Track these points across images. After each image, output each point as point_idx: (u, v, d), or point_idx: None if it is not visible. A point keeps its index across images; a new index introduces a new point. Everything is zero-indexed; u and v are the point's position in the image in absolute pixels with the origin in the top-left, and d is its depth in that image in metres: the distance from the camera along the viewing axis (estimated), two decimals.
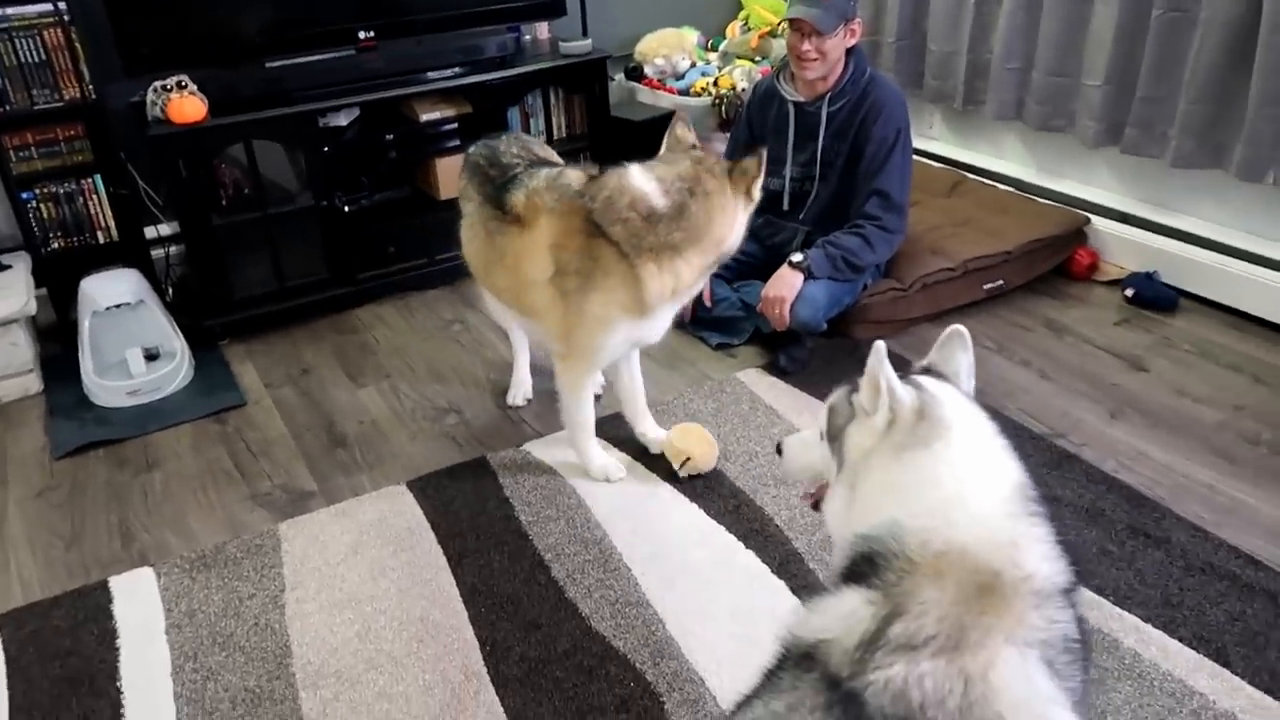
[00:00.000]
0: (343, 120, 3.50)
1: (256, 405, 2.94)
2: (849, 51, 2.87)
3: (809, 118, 2.96)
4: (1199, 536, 2.18)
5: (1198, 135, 3.00)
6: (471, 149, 2.58)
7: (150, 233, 3.50)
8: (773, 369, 2.93)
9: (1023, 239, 3.28)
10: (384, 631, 2.03)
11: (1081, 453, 2.49)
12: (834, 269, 2.85)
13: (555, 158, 2.56)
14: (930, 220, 3.44)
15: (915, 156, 4.09)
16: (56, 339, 3.32)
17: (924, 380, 1.22)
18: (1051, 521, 1.10)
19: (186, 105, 3.02)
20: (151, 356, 3.11)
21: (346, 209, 3.50)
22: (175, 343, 3.13)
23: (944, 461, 1.10)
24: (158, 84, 3.05)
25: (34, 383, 3.06)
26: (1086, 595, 2.02)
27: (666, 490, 2.44)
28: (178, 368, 3.06)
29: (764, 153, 2.25)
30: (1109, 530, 2.21)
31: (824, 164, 2.99)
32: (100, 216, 3.31)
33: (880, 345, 1.17)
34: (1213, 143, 2.99)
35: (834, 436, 1.26)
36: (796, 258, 2.84)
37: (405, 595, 2.13)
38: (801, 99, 2.94)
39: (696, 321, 3.11)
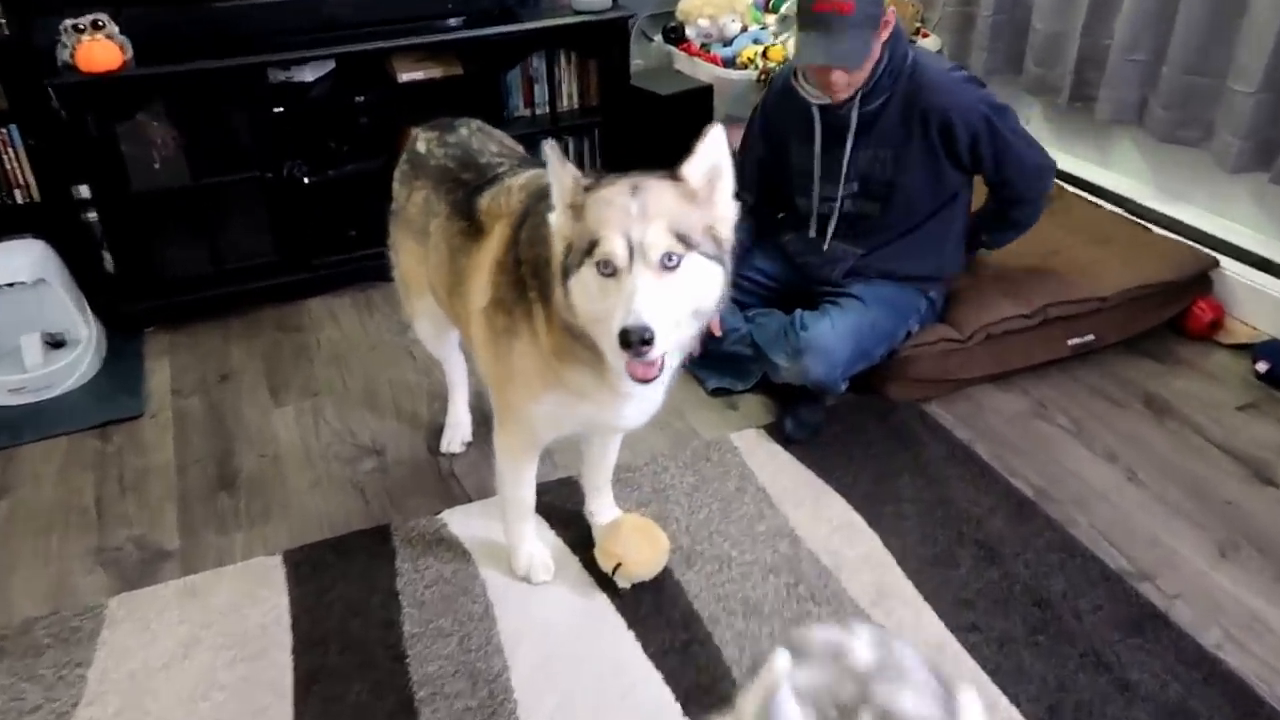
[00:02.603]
0: (309, 76, 2.95)
1: (153, 419, 2.46)
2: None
3: (837, 120, 2.28)
4: None
5: None
6: (420, 143, 2.00)
7: (85, 192, 3.03)
8: (776, 433, 2.30)
9: (1125, 283, 2.55)
10: None
11: (1172, 610, 1.82)
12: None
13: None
14: (1009, 245, 2.73)
15: None
16: None
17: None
18: None
19: (97, 50, 2.51)
20: (57, 344, 2.67)
21: (306, 180, 2.96)
22: (83, 330, 2.67)
23: None
24: (68, 23, 2.54)
25: None
26: None
27: (601, 603, 1.86)
28: (77, 361, 2.60)
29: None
30: None
31: (864, 177, 2.31)
32: (18, 173, 2.84)
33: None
34: None
35: None
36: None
37: None
38: (826, 100, 2.26)
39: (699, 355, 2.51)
